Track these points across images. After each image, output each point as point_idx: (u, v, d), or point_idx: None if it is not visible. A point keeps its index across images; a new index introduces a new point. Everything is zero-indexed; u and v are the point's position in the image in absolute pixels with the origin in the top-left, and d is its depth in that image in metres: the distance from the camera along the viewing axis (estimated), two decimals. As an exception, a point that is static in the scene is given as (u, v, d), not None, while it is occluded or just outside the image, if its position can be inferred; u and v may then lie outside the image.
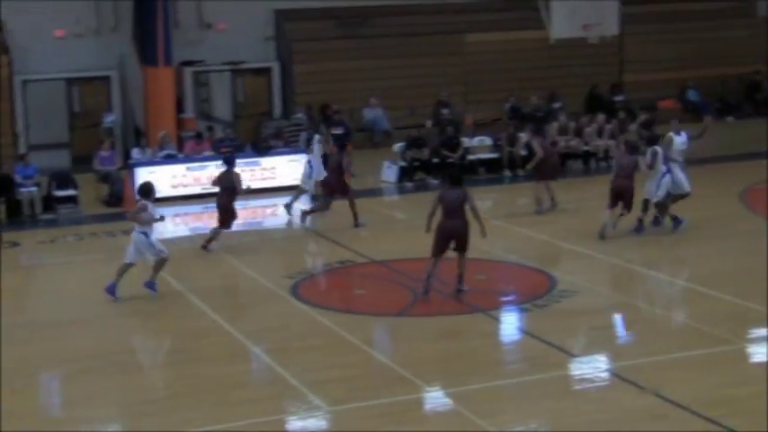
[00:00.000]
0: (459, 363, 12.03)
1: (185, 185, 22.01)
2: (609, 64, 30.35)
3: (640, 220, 17.56)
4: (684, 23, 31.03)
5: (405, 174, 23.26)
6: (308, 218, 18.95)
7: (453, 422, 10.42)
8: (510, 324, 13.67)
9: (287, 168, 22.50)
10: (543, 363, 11.82)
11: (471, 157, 23.69)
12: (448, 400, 10.89)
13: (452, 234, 14.03)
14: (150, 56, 25.12)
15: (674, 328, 12.95)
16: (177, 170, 22.07)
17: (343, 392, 11.05)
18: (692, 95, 31.04)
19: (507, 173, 23.62)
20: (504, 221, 18.26)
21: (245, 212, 19.32)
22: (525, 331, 13.17)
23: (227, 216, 17.34)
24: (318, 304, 14.27)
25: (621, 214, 17.41)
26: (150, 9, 24.83)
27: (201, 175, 21.91)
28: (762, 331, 12.75)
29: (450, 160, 22.94)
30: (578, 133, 24.45)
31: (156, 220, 14.75)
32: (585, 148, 24.36)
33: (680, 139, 17.87)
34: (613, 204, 17.36)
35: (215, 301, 14.41)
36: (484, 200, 20.94)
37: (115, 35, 26.33)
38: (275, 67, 28.03)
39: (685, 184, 17.73)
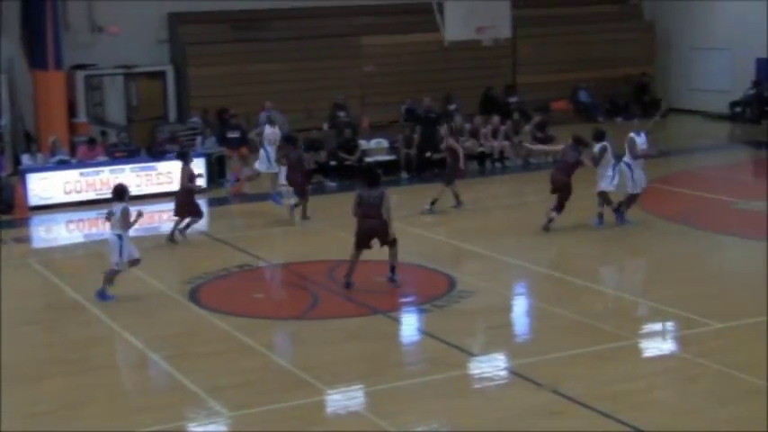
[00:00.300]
0: (359, 364, 12.06)
1: (78, 191, 21.59)
2: (502, 66, 30.82)
3: (604, 214, 17.93)
4: (574, 26, 31.72)
5: (302, 177, 23.20)
6: (295, 211, 19.19)
7: (355, 424, 10.46)
8: (410, 325, 13.77)
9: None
10: (443, 363, 11.93)
11: (368, 159, 23.78)
12: (349, 403, 10.92)
13: (372, 233, 14.53)
14: (39, 59, 24.60)
15: (569, 325, 13.19)
16: (70, 176, 21.64)
17: (244, 397, 10.99)
18: (583, 97, 31.74)
19: (404, 174, 23.78)
20: (402, 223, 18.33)
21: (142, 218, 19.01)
22: (425, 332, 13.28)
23: (191, 210, 17.91)
24: (217, 309, 14.15)
25: (551, 219, 17.67)
26: (38, 11, 24.30)
27: (96, 181, 21.58)
28: (652, 327, 13.12)
29: (348, 163, 23.01)
30: (474, 134, 24.74)
31: (131, 225, 14.67)
32: (481, 149, 24.68)
33: (640, 140, 18.18)
34: (554, 192, 17.84)
35: (112, 309, 14.17)
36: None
37: (2, 38, 25.68)
38: (169, 71, 27.67)
39: (641, 184, 18.09)
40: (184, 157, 18.23)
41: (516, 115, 26.37)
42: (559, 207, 17.70)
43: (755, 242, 17.47)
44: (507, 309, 14.37)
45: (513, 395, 11.03)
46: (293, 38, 28.59)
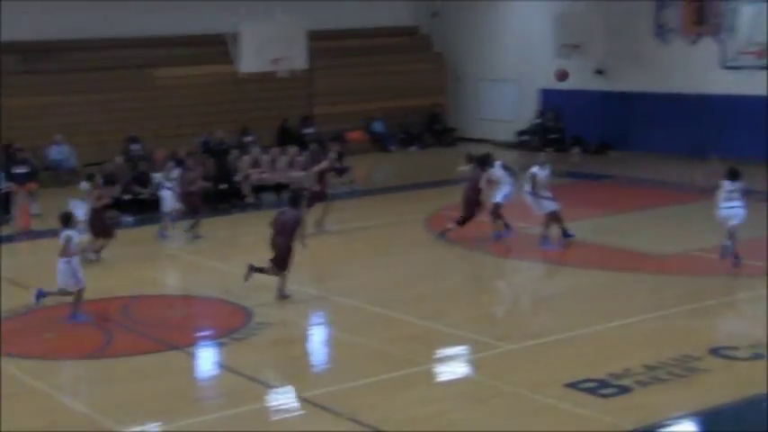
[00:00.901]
0: (156, 402, 11.78)
1: None
2: (299, 97, 31.06)
3: (506, 225, 19.05)
4: (368, 58, 32.33)
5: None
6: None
7: (151, 464, 10.24)
8: (207, 359, 13.59)
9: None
10: (241, 396, 11.83)
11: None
12: (145, 442, 10.70)
13: (275, 249, 15.26)
14: None
15: (366, 353, 13.33)
16: None
17: (33, 443, 10.58)
18: (377, 127, 32.35)
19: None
20: (198, 256, 18.16)
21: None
22: (223, 366, 13.14)
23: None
24: (3, 352, 13.54)
25: (458, 222, 18.90)
26: None
27: None
28: (446, 351, 13.43)
29: (142, 196, 22.56)
30: (271, 165, 24.77)
31: (75, 254, 14.49)
32: (279, 180, 24.71)
33: (543, 173, 18.52)
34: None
35: None
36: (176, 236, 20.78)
37: None
38: (-49, 104, 26.50)
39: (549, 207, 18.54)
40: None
41: (313, 146, 26.60)
42: (463, 221, 18.83)
43: (541, 265, 18.23)
44: (304, 339, 14.42)
45: (312, 426, 11.04)
46: (85, 69, 27.98)
